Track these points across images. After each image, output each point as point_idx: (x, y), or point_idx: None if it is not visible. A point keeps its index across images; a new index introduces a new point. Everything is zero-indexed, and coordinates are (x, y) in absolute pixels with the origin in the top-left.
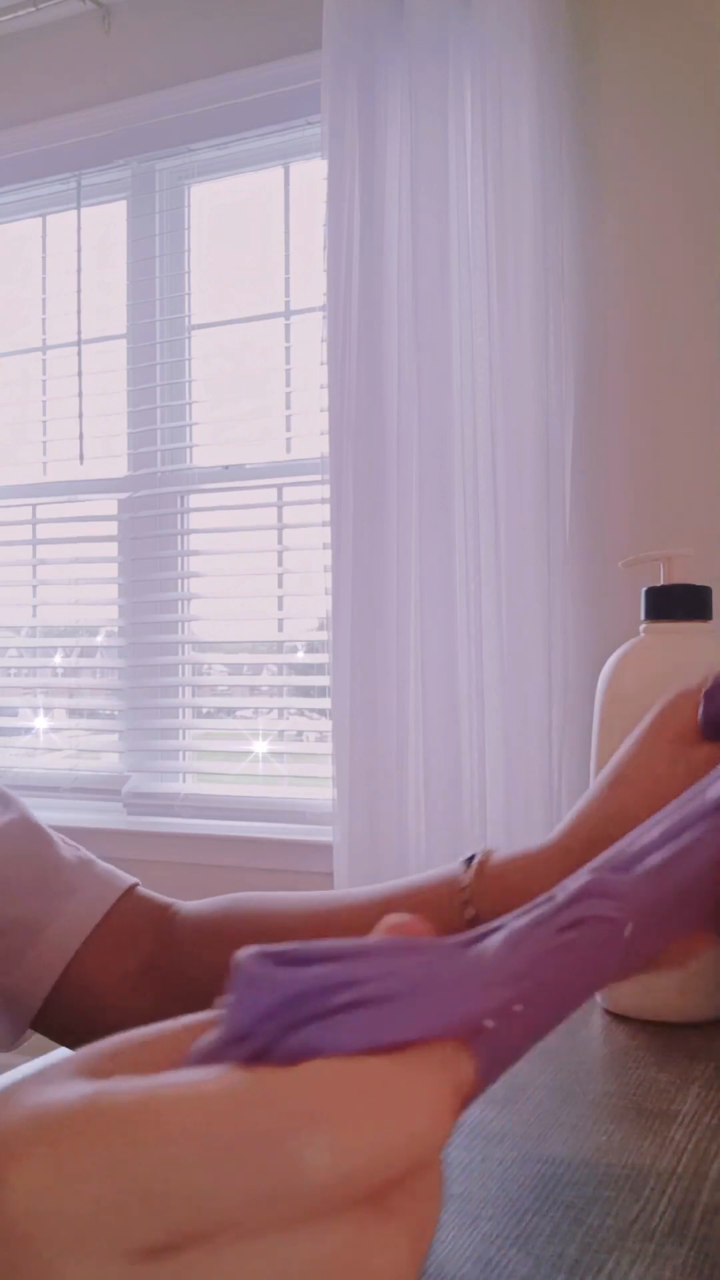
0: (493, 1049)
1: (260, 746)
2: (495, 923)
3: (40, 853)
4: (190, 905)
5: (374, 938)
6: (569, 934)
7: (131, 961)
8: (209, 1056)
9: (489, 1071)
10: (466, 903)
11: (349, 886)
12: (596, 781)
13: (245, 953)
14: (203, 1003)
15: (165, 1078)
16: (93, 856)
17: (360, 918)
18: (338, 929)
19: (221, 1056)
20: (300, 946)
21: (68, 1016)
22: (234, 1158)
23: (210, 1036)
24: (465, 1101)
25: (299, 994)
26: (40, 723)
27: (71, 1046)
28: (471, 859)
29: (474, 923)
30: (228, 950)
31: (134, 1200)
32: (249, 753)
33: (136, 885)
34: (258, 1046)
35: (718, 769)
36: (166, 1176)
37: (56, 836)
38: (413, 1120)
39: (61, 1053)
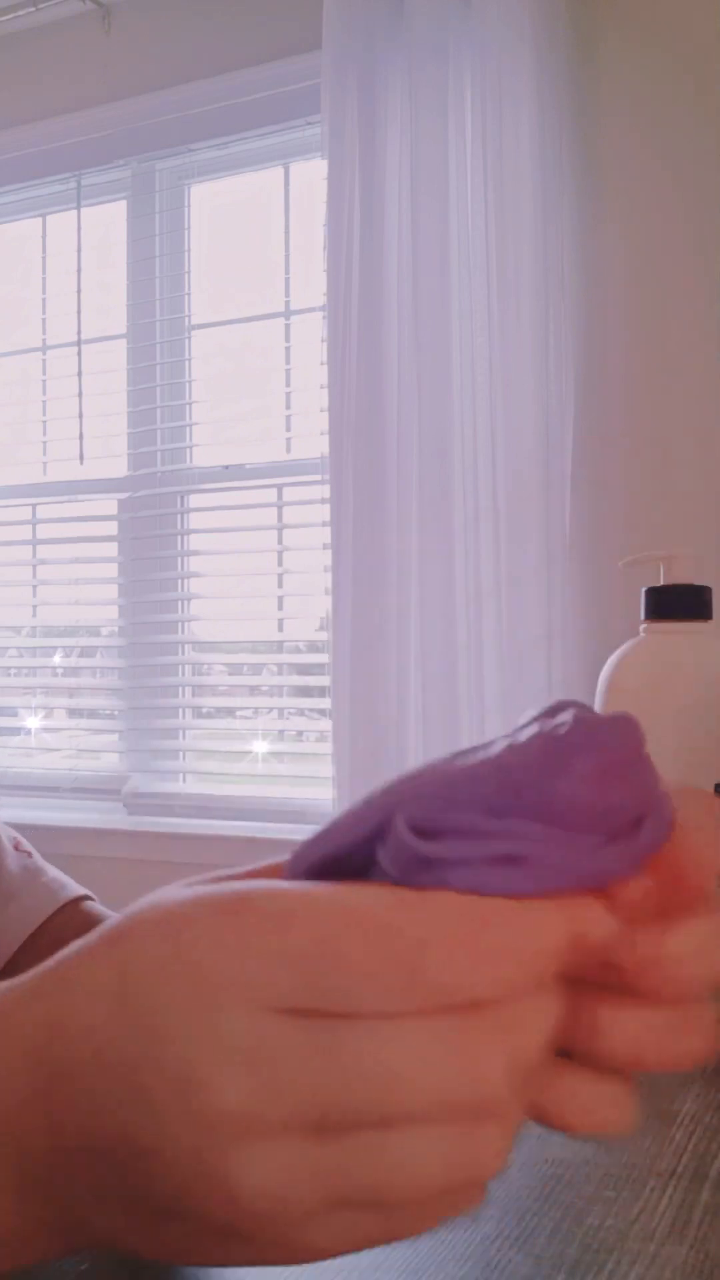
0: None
1: (260, 746)
2: None
3: None
4: None
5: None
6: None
7: None
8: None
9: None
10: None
11: None
12: None
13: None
14: None
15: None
16: (43, 865)
17: None
18: None
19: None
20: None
21: None
22: (380, 951)
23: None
24: (600, 950)
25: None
26: (40, 722)
27: None
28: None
29: None
30: None
31: (292, 962)
32: (249, 753)
33: (85, 899)
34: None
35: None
36: (322, 950)
37: (7, 843)
38: (538, 955)
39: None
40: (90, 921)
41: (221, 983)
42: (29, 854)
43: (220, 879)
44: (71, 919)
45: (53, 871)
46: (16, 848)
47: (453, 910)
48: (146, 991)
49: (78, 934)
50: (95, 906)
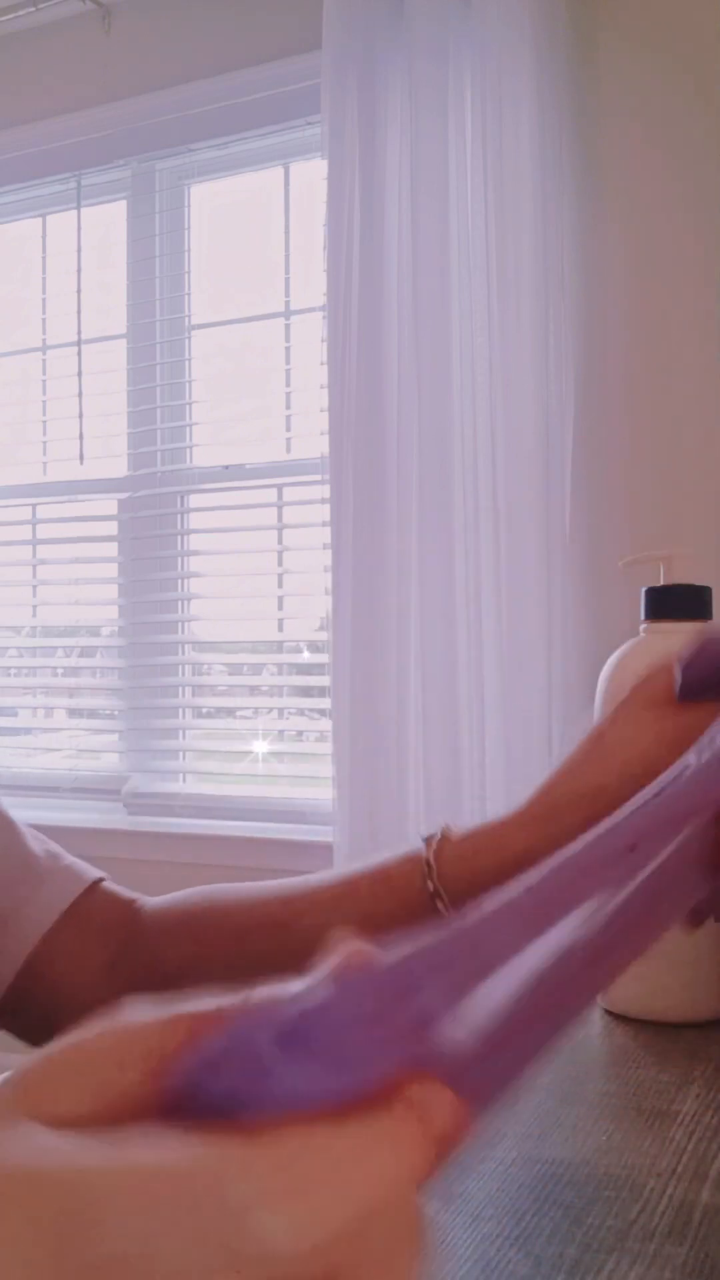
0: (477, 1074)
1: (260, 746)
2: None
3: (7, 845)
4: (155, 901)
5: (323, 969)
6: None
7: (96, 956)
8: (162, 1106)
9: (480, 1097)
10: (427, 878)
11: None
12: (568, 753)
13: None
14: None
15: (121, 1150)
16: (60, 850)
17: (322, 907)
18: (299, 920)
19: (173, 1103)
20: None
21: (31, 1011)
22: (193, 1232)
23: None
24: (452, 1136)
25: (250, 1042)
26: (40, 722)
27: (34, 1044)
28: (429, 838)
29: (435, 897)
30: (193, 946)
31: (89, 1271)
32: (249, 753)
33: (103, 879)
34: (210, 1098)
35: (700, 741)
36: (127, 1248)
37: (25, 829)
38: (371, 1186)
39: None
40: (111, 902)
41: None
42: (43, 839)
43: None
44: (96, 899)
45: (70, 856)
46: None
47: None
48: None
49: (101, 913)
50: (112, 887)
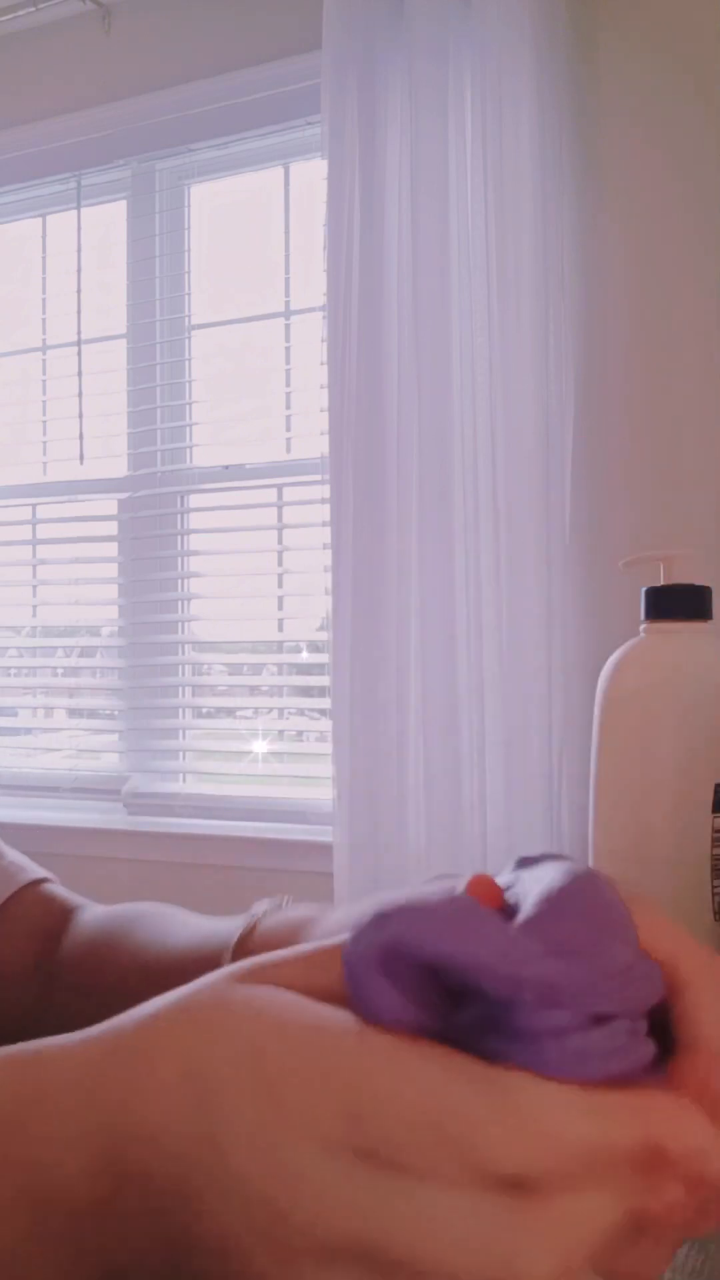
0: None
1: (260, 746)
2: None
3: None
4: (91, 912)
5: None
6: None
7: (25, 954)
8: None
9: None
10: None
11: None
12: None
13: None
14: (79, 1021)
15: (402, 1055)
16: (2, 849)
17: (170, 972)
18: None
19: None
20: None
21: None
22: (438, 1129)
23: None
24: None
25: (509, 1000)
26: (40, 722)
27: None
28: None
29: None
30: (101, 979)
31: (359, 1115)
32: (249, 753)
33: (44, 881)
34: (466, 1026)
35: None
36: (388, 1110)
37: None
38: (582, 1144)
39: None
40: (49, 904)
41: (297, 1119)
42: None
43: (296, 963)
44: (29, 900)
45: (11, 855)
46: None
47: (520, 1094)
48: (224, 1108)
49: (36, 919)
50: (53, 890)
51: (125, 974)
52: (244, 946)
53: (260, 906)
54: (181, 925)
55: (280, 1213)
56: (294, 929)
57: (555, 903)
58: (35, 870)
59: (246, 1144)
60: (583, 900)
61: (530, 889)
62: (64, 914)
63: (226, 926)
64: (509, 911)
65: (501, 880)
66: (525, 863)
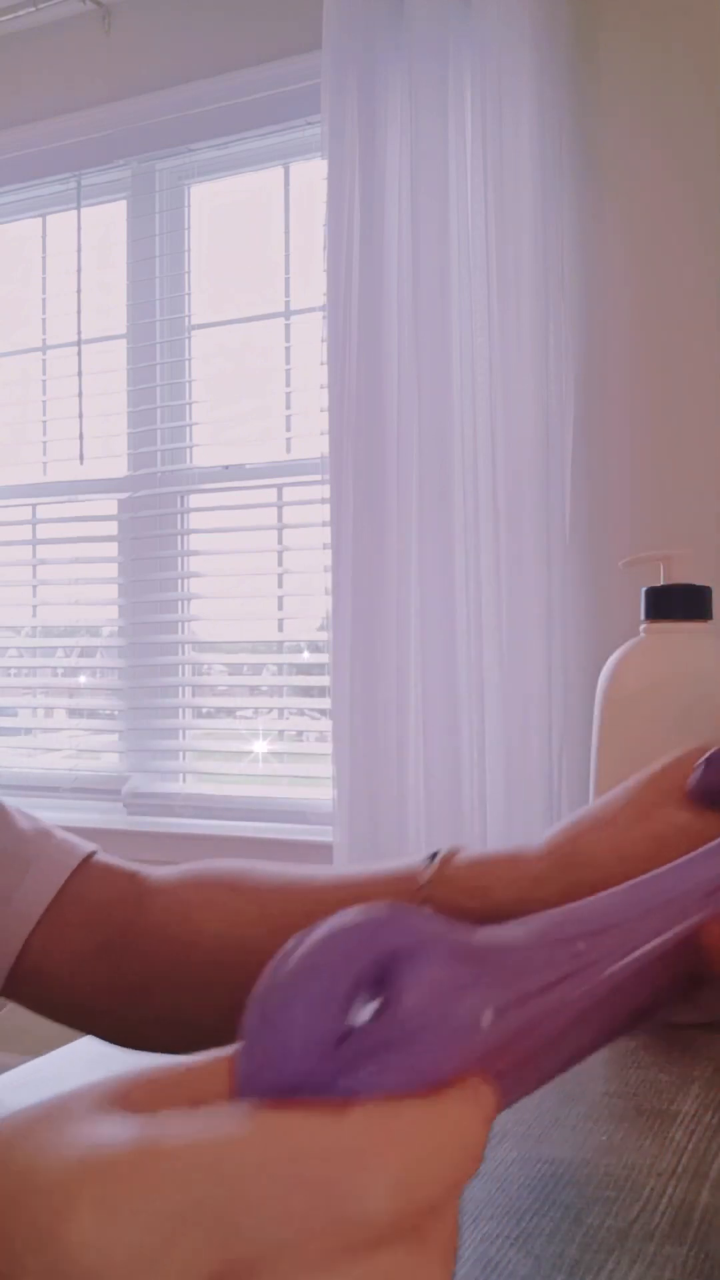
0: (508, 1081)
1: (260, 746)
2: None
3: None
4: (158, 875)
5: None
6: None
7: (94, 934)
8: (252, 1090)
9: (505, 1101)
10: (425, 901)
11: None
12: (586, 812)
13: (267, 991)
14: (159, 977)
15: (217, 1116)
16: (50, 827)
17: (322, 903)
18: (301, 912)
19: (263, 1091)
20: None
21: (34, 989)
22: (295, 1197)
23: (249, 1069)
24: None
25: (333, 1034)
26: (40, 722)
27: (48, 1017)
28: (435, 855)
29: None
30: (194, 926)
31: (194, 1237)
32: (249, 753)
33: (95, 853)
34: (297, 1083)
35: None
36: (228, 1215)
37: (12, 808)
38: (453, 1156)
39: (81, 1076)
40: (106, 875)
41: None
42: (33, 818)
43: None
44: (89, 876)
45: (60, 832)
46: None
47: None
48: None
49: (97, 891)
50: (106, 859)
51: (263, 906)
52: (443, 874)
53: (436, 850)
54: (269, 872)
55: None
56: (485, 868)
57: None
58: (85, 844)
59: None
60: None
61: None
62: (130, 880)
63: (393, 865)
64: None
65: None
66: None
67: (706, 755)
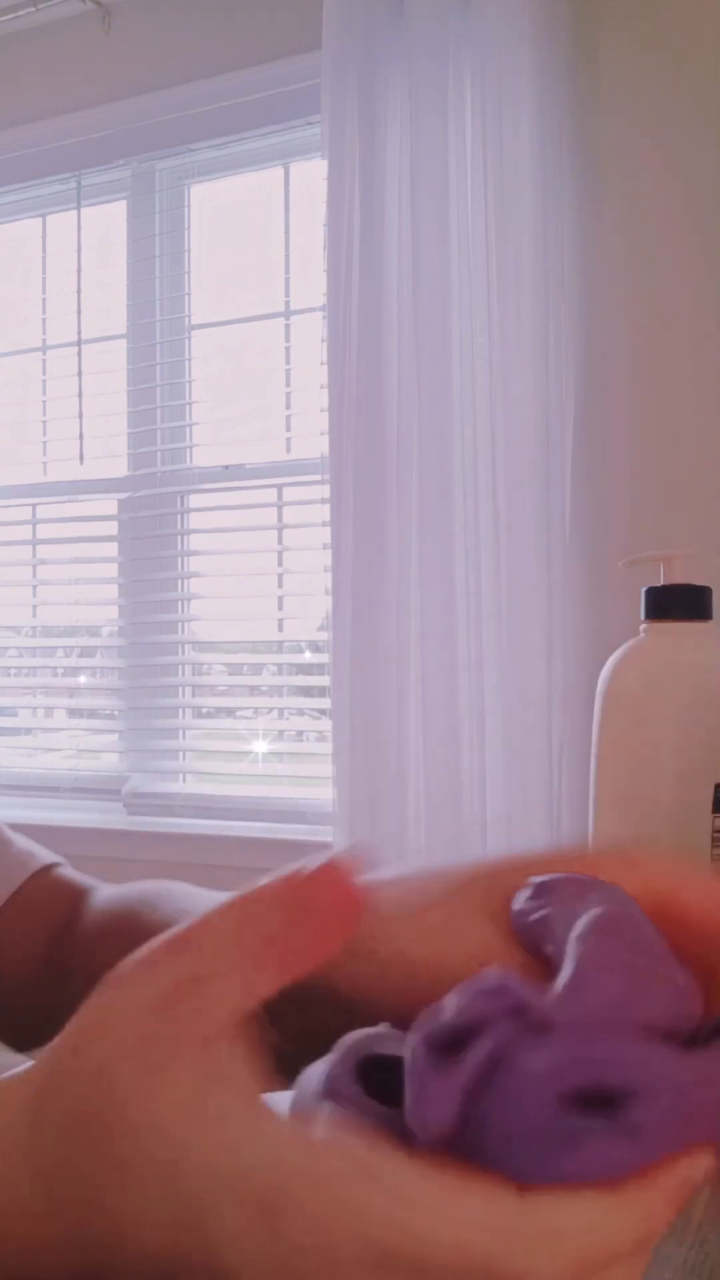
0: None
1: (260, 746)
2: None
3: None
4: (104, 894)
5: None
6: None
7: (37, 948)
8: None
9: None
10: None
11: None
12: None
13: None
14: (79, 1000)
15: (441, 1190)
16: (11, 836)
17: None
18: None
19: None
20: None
21: None
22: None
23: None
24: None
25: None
26: (39, 722)
27: None
28: None
29: None
30: (123, 948)
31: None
32: (249, 753)
33: (56, 866)
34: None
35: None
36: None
37: None
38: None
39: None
40: (58, 890)
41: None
42: None
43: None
44: (42, 886)
45: (21, 842)
46: None
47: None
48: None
49: (46, 906)
50: (66, 874)
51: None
52: None
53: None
54: (205, 899)
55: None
56: None
57: (601, 968)
58: (46, 856)
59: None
60: (624, 954)
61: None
62: (75, 898)
63: None
64: (536, 954)
65: (517, 906)
66: (543, 891)
67: (535, 882)
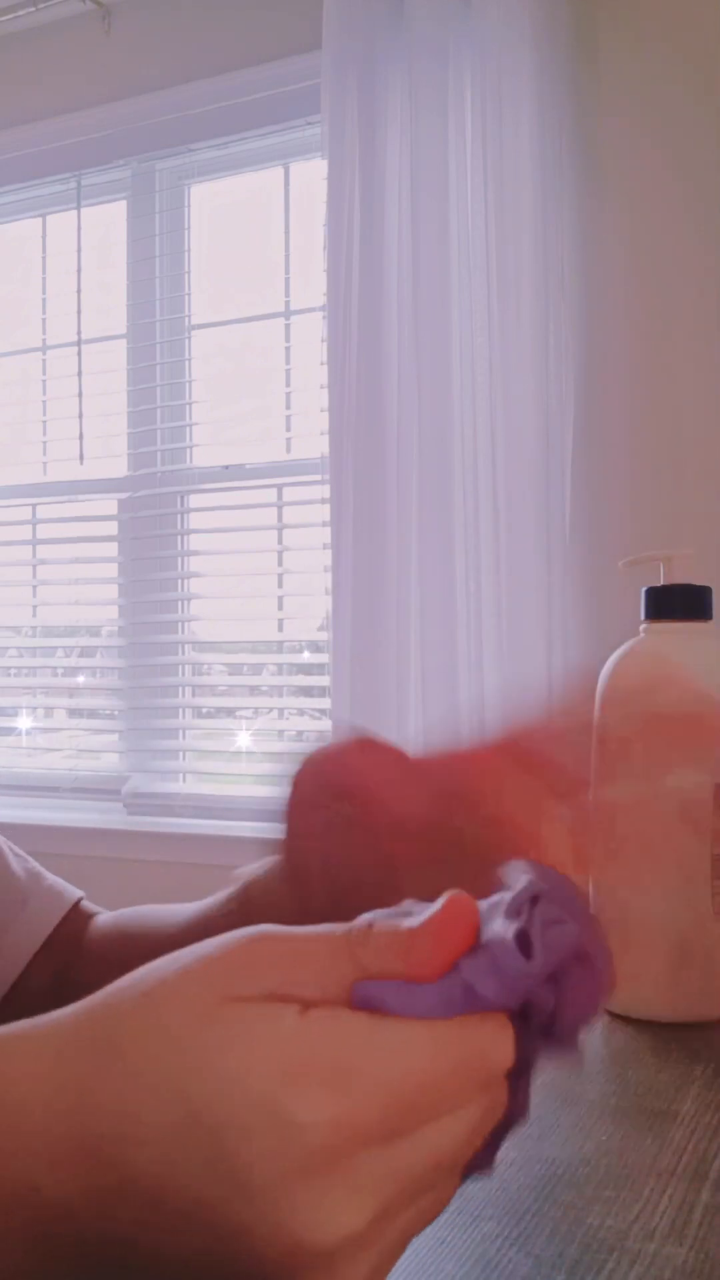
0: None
1: (260, 746)
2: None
3: None
4: (101, 918)
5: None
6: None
7: (44, 974)
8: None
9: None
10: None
11: None
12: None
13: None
14: None
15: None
16: (40, 869)
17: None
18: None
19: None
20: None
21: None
22: (452, 1081)
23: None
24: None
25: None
26: (40, 722)
27: None
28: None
29: None
30: (117, 968)
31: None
32: (249, 753)
33: (82, 899)
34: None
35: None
36: (404, 1088)
37: (5, 846)
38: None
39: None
40: (90, 921)
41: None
42: (24, 857)
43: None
44: (77, 921)
45: (50, 875)
46: (12, 851)
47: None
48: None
49: (82, 936)
50: (89, 905)
51: (145, 956)
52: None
53: (245, 871)
54: (188, 906)
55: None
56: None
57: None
58: (73, 889)
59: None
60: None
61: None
62: (86, 921)
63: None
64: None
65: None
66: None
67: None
